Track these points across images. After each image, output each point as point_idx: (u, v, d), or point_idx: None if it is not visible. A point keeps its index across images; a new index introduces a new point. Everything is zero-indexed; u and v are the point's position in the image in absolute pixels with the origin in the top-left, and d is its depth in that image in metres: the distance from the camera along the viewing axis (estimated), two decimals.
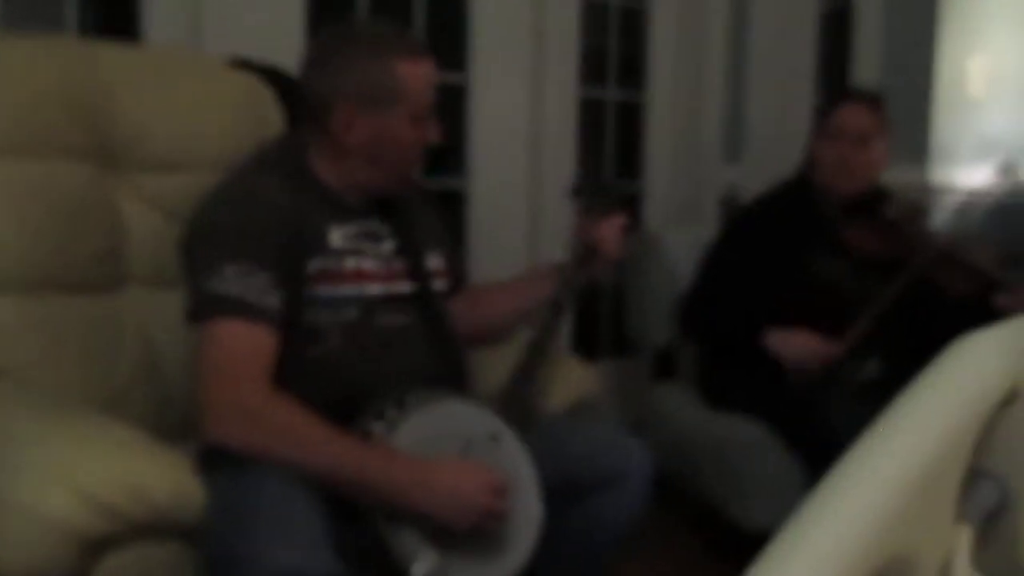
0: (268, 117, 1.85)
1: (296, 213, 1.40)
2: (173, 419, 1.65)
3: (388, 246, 1.53)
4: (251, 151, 1.56)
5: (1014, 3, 2.97)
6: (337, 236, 1.45)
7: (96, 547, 1.13)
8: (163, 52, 2.03)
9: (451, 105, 2.80)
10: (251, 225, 1.36)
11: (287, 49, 2.12)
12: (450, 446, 1.34)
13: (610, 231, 1.61)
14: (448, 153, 2.85)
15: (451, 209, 2.91)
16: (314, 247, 1.42)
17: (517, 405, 1.46)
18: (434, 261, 1.59)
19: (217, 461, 1.29)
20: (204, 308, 1.34)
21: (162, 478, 1.18)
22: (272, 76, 1.92)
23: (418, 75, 1.44)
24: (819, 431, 1.89)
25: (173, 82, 1.75)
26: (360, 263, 1.46)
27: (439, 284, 1.59)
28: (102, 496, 1.11)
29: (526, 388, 1.48)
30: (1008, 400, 0.59)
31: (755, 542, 1.92)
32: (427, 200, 1.72)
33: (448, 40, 2.79)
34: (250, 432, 1.27)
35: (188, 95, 1.76)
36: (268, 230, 1.37)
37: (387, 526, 1.25)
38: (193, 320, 1.37)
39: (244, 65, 1.91)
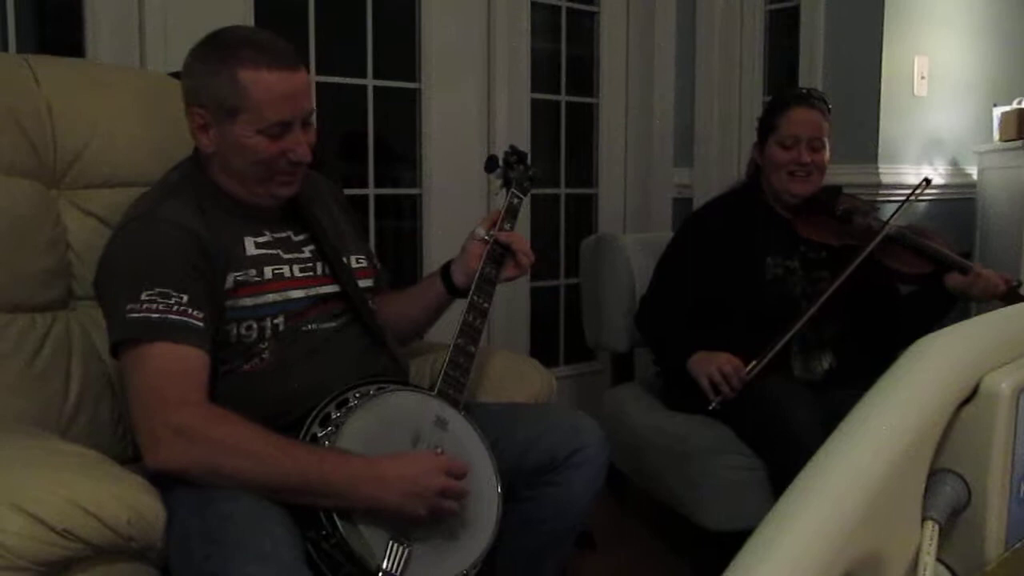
0: None
1: (203, 231, 1.38)
2: (128, 439, 1.61)
3: (307, 250, 1.51)
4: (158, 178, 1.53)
5: (954, 4, 3.04)
6: (251, 246, 1.43)
7: (54, 571, 1.11)
8: (105, 67, 2.00)
9: (405, 111, 2.80)
10: (159, 251, 1.34)
11: None
12: (399, 438, 1.34)
13: (520, 240, 1.65)
14: (401, 159, 2.84)
15: (405, 213, 2.90)
16: (229, 261, 1.39)
17: (456, 386, 1.47)
18: (356, 260, 1.59)
19: (171, 477, 1.27)
20: (127, 336, 1.30)
21: (118, 500, 1.15)
22: None
23: (264, 86, 1.36)
24: (776, 430, 1.92)
25: (116, 96, 1.72)
26: (279, 269, 1.45)
27: (364, 282, 1.59)
28: (55, 521, 1.08)
29: (463, 369, 1.50)
30: (969, 398, 0.60)
31: (715, 540, 1.94)
32: (342, 202, 1.71)
33: (400, 47, 2.78)
34: (192, 452, 1.24)
35: (132, 109, 1.73)
36: (177, 253, 1.34)
37: (347, 529, 1.24)
38: (117, 351, 1.33)
39: None
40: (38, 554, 1.08)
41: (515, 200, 1.71)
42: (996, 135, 3.07)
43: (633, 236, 2.75)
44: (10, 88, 1.57)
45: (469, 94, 2.87)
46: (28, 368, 1.51)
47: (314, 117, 1.47)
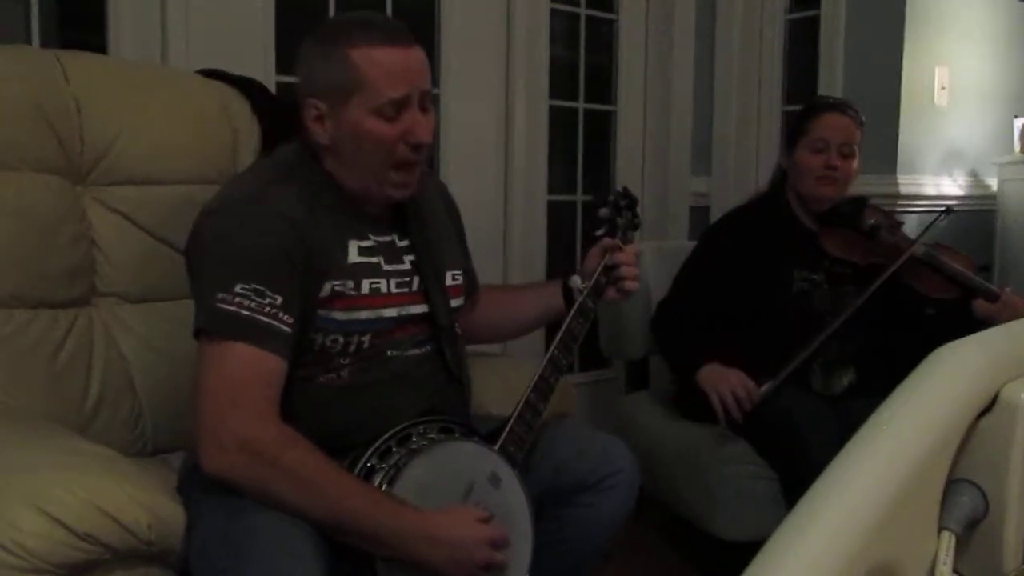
0: (242, 128, 1.82)
1: (311, 228, 1.32)
2: (147, 436, 1.62)
3: (408, 260, 1.45)
4: (266, 156, 1.47)
5: (975, 14, 3.03)
6: (354, 251, 1.38)
7: (73, 573, 1.11)
8: (133, 63, 2.00)
9: None
10: (263, 241, 1.28)
11: (254, 69, 2.11)
12: (453, 488, 1.32)
13: (631, 257, 1.59)
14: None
15: None
16: (329, 266, 1.34)
17: (517, 443, 1.42)
18: (452, 277, 1.54)
19: (203, 481, 1.25)
20: (212, 327, 1.26)
21: (139, 503, 1.15)
22: (247, 86, 1.89)
23: (376, 62, 1.31)
24: (791, 441, 1.90)
25: (144, 93, 1.72)
26: (376, 283, 1.39)
27: (455, 301, 1.53)
28: (75, 524, 1.08)
29: (528, 426, 1.44)
30: (988, 408, 0.60)
31: (728, 550, 1.92)
32: (448, 204, 1.67)
33: None
34: (253, 469, 1.20)
35: (159, 106, 1.72)
36: (280, 249, 1.29)
37: (384, 571, 1.23)
38: (199, 337, 1.29)
39: (217, 76, 1.89)
40: (58, 556, 1.08)
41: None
42: (1016, 147, 3.06)
43: (650, 244, 2.74)
44: (39, 83, 1.57)
45: (487, 100, 2.87)
46: (49, 365, 1.51)
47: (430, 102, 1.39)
